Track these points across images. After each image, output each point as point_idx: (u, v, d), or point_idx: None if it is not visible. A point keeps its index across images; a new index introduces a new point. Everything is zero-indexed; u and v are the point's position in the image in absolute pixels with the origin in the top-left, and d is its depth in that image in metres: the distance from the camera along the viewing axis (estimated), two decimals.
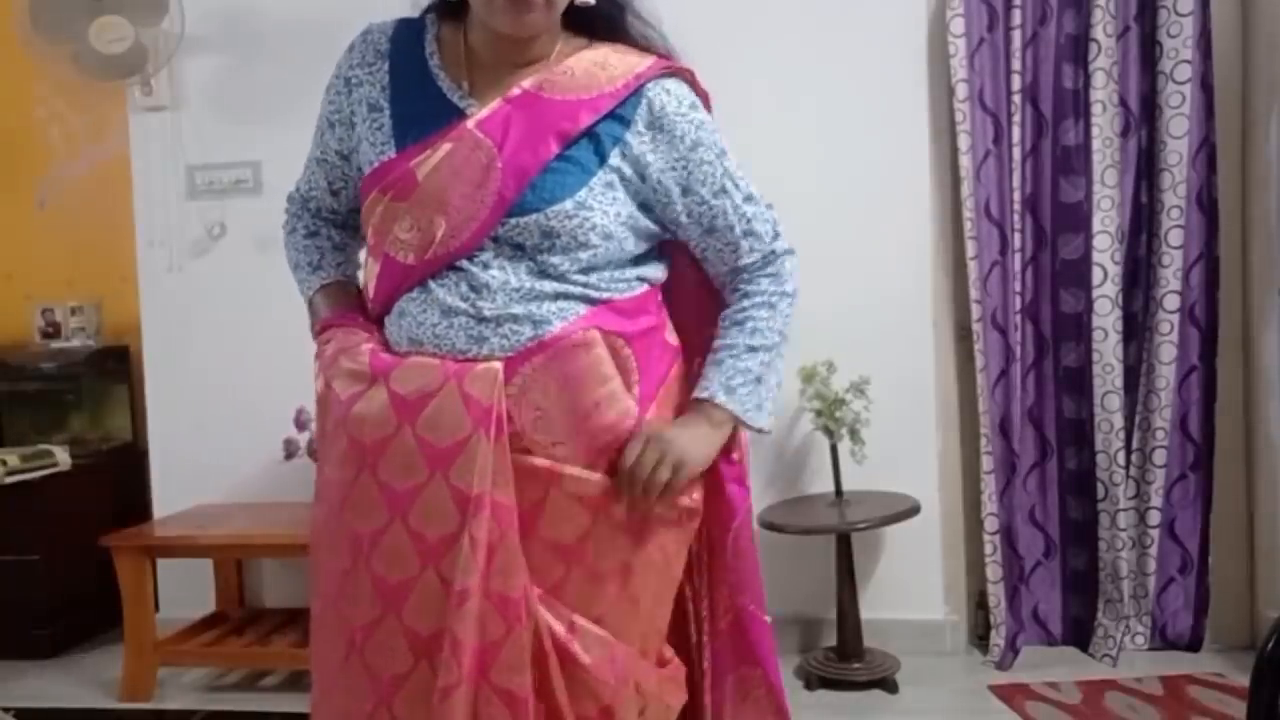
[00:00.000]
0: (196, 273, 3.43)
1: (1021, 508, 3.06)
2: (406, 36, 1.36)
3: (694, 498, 1.36)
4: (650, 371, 1.34)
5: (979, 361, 2.96)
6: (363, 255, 1.43)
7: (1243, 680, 2.63)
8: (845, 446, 2.87)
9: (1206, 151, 2.88)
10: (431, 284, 1.28)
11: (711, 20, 2.96)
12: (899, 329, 3.03)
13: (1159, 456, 2.96)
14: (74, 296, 3.76)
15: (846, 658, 2.89)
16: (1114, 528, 2.95)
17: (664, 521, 1.33)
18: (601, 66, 1.32)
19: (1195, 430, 2.96)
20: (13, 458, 3.31)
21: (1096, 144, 2.90)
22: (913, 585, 3.07)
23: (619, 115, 1.31)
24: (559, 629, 1.26)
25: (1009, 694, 2.74)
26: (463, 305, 1.26)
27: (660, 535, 1.33)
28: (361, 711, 1.27)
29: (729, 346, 1.36)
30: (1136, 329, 2.98)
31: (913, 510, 2.83)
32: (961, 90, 2.91)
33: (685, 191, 1.34)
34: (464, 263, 1.27)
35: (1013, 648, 2.99)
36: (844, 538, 2.88)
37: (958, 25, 2.91)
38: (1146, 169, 2.95)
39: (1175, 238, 2.89)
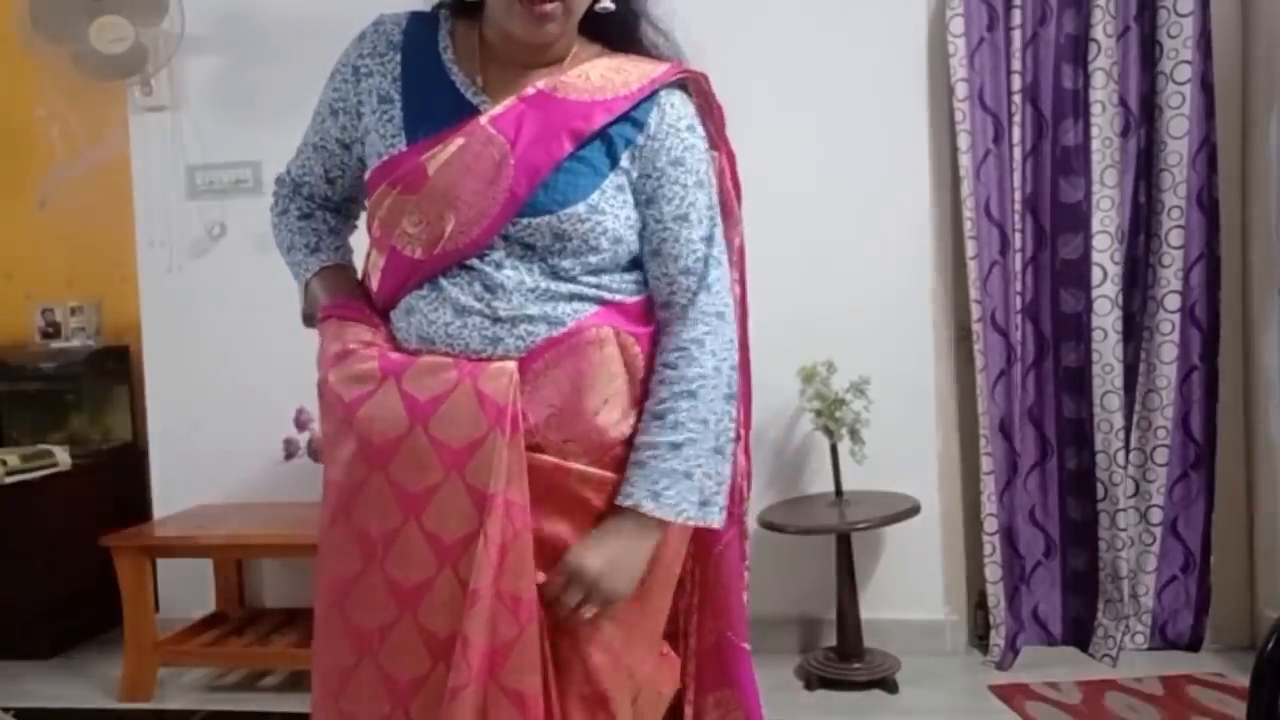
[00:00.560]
0: (196, 273, 3.43)
1: (1021, 508, 3.06)
2: (419, 30, 1.35)
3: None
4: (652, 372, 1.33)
5: (979, 361, 2.96)
6: (364, 245, 1.41)
7: (1243, 680, 2.63)
8: (845, 446, 2.87)
9: (1206, 151, 2.88)
10: (443, 282, 1.27)
11: (712, 20, 2.95)
12: (899, 329, 3.03)
13: (1159, 456, 2.96)
14: (74, 296, 3.76)
15: (846, 658, 2.89)
16: (1114, 528, 2.95)
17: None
18: (617, 71, 1.31)
19: (1196, 430, 2.96)
20: (13, 458, 3.31)
21: (1096, 144, 2.90)
22: (913, 585, 3.07)
23: (632, 118, 1.30)
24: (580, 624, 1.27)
25: (1009, 694, 2.74)
26: (477, 305, 1.26)
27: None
28: (378, 714, 1.26)
29: (650, 445, 1.27)
30: (1136, 329, 2.98)
31: (913, 510, 2.83)
32: (961, 90, 2.91)
33: (650, 202, 1.31)
34: (475, 261, 1.26)
35: (1013, 648, 2.99)
36: (844, 538, 2.88)
37: (958, 25, 2.91)
38: (1146, 169, 2.95)
39: (1175, 238, 2.89)
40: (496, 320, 1.26)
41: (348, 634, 1.28)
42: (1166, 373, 2.93)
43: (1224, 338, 2.96)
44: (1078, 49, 2.92)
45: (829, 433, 2.88)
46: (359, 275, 1.44)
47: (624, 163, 1.30)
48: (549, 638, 1.26)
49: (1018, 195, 2.96)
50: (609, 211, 1.28)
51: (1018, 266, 2.97)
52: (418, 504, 1.24)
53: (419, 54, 1.33)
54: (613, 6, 1.31)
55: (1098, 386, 2.93)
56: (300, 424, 3.04)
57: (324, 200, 1.48)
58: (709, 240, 1.32)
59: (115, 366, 3.71)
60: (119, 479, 3.62)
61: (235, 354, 3.35)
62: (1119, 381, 2.93)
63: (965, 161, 2.92)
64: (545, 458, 1.26)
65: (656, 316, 1.34)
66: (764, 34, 3.05)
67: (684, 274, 1.31)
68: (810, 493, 3.08)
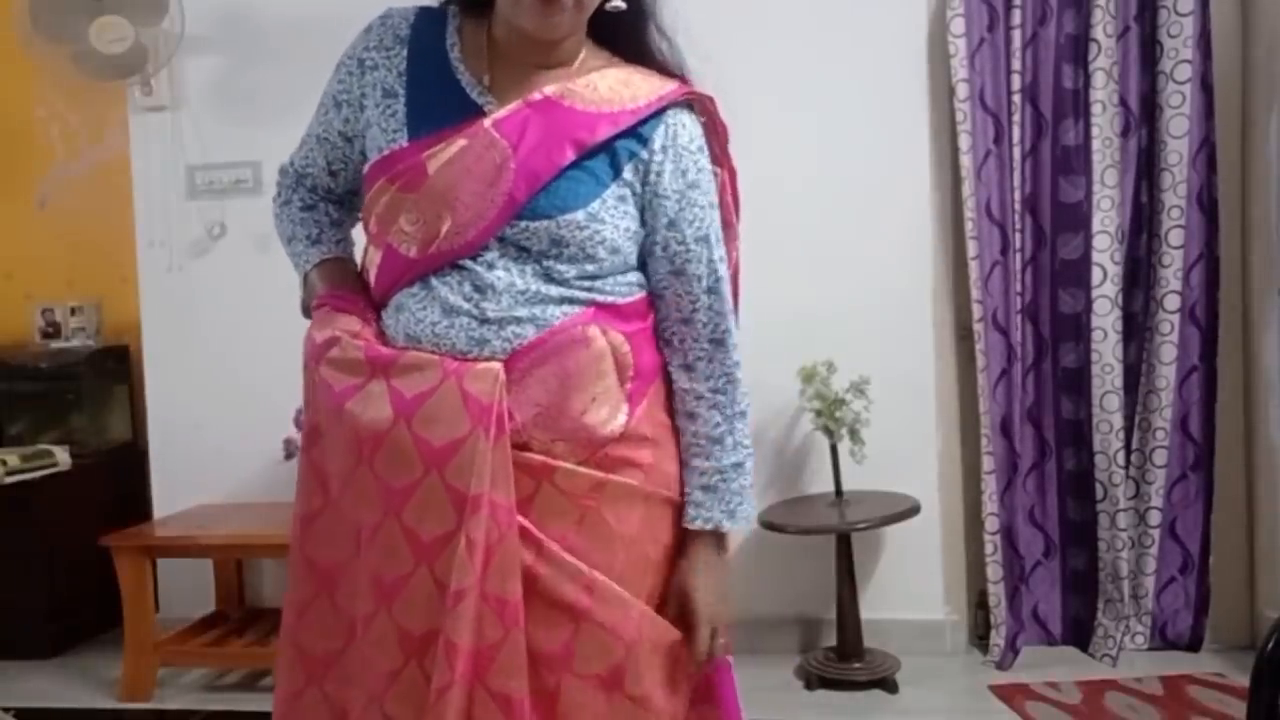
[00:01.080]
0: (196, 273, 3.43)
1: (1022, 508, 3.06)
2: (427, 25, 1.35)
3: (681, 497, 1.36)
4: (643, 371, 1.33)
5: (980, 361, 2.96)
6: (362, 240, 1.41)
7: (1243, 680, 2.63)
8: (845, 446, 2.87)
9: (1206, 151, 2.88)
10: (434, 281, 1.27)
11: (713, 20, 2.95)
12: (899, 329, 3.03)
13: (1159, 457, 2.96)
14: (74, 296, 3.76)
15: (846, 658, 2.89)
16: (1113, 528, 2.95)
17: (657, 515, 1.33)
18: (625, 84, 1.31)
19: (1196, 430, 2.96)
20: (13, 458, 3.31)
21: (1096, 144, 2.90)
22: (913, 585, 3.07)
23: (638, 133, 1.30)
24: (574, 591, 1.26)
25: (1009, 694, 2.74)
26: (465, 305, 1.25)
27: (655, 530, 1.33)
28: (357, 702, 1.27)
29: (719, 471, 1.33)
30: (1136, 329, 2.98)
31: (913, 510, 2.83)
32: (962, 90, 2.91)
33: (671, 225, 1.32)
34: (468, 261, 1.26)
35: (1013, 648, 2.99)
36: (844, 538, 2.88)
37: (958, 25, 2.91)
38: (1146, 169, 2.95)
39: (1175, 238, 2.89)
40: (484, 321, 1.25)
41: (338, 619, 1.29)
42: (1166, 373, 2.93)
43: (1224, 338, 2.96)
44: (1078, 49, 2.92)
45: (829, 433, 2.88)
46: (358, 269, 1.44)
47: (627, 175, 1.30)
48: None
49: (1018, 195, 2.96)
50: (608, 221, 1.28)
51: (1018, 266, 2.97)
52: (398, 500, 1.24)
53: (426, 50, 1.33)
54: (624, 5, 1.30)
55: (1097, 387, 2.93)
56: (300, 424, 3.03)
57: (326, 192, 1.47)
58: (723, 261, 1.36)
59: (115, 366, 3.71)
60: (119, 479, 3.62)
61: (235, 354, 3.35)
62: (1119, 382, 2.93)
63: (966, 161, 2.92)
64: (533, 456, 1.26)
65: (656, 318, 1.35)
66: (764, 34, 3.05)
67: (708, 293, 1.33)
68: (810, 493, 3.08)
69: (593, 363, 1.28)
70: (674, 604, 1.33)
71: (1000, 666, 2.93)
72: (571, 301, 1.28)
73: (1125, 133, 2.94)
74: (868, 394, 2.85)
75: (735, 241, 1.44)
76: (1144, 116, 2.93)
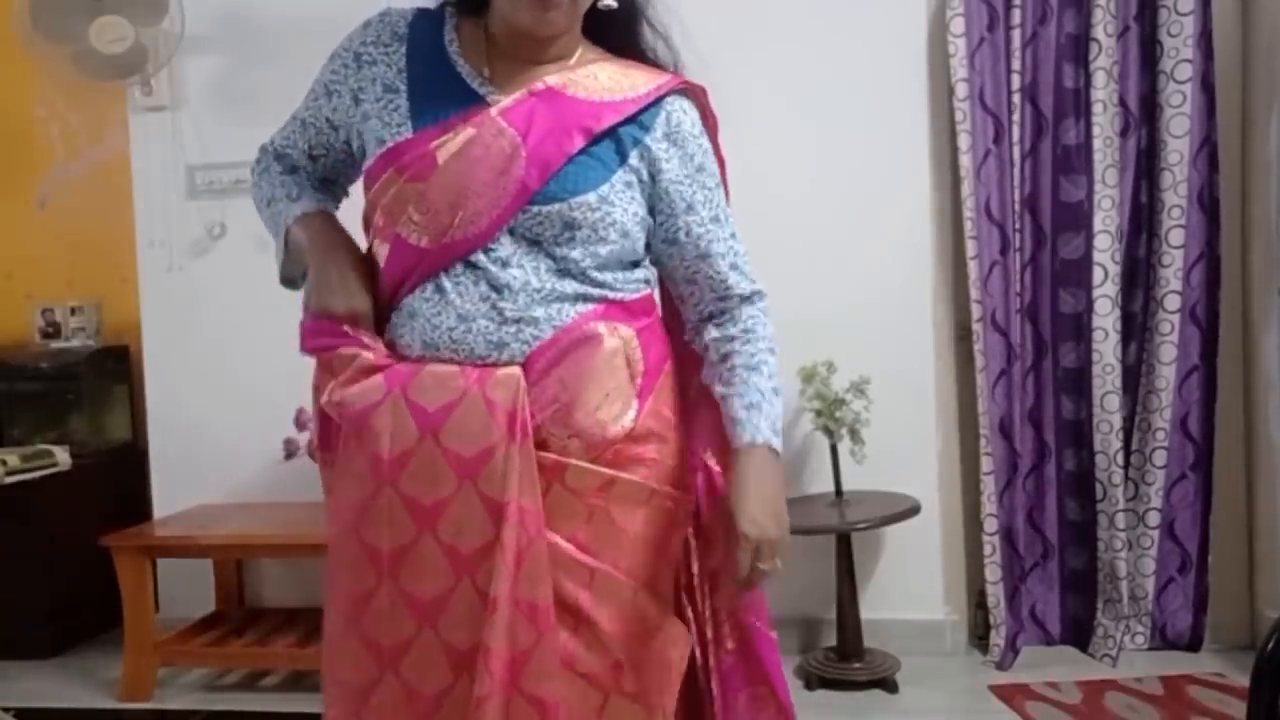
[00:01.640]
0: (196, 273, 3.43)
1: (1021, 508, 3.06)
2: (425, 24, 1.37)
3: (685, 491, 1.37)
4: (651, 366, 1.34)
5: (979, 362, 2.96)
6: (362, 244, 1.41)
7: (1243, 680, 2.63)
8: (845, 446, 2.87)
9: (1207, 151, 2.88)
10: (446, 283, 1.27)
11: (712, 21, 2.96)
12: (899, 329, 3.03)
13: (1159, 457, 2.96)
14: (74, 296, 3.76)
15: (846, 658, 2.89)
16: (1113, 528, 2.95)
17: (661, 510, 1.34)
18: (624, 75, 1.34)
19: (1195, 430, 2.96)
20: (13, 458, 3.31)
21: (1096, 144, 2.90)
22: (913, 585, 3.07)
23: (640, 121, 1.32)
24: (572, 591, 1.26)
25: (1009, 694, 2.74)
26: (482, 307, 1.26)
27: (659, 526, 1.33)
28: None
29: (759, 390, 1.34)
30: (1136, 329, 2.98)
31: (913, 510, 2.83)
32: (961, 90, 2.91)
33: (689, 209, 1.35)
34: (481, 258, 1.26)
35: (1013, 648, 2.99)
36: (844, 538, 2.88)
37: (958, 25, 2.91)
38: (1147, 169, 2.94)
39: (1176, 237, 2.89)
40: (502, 323, 1.25)
41: (367, 649, 1.27)
42: (1166, 373, 2.93)
43: (1224, 338, 2.95)
44: (1078, 48, 2.92)
45: (829, 433, 2.88)
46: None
47: (633, 161, 1.32)
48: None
49: (1018, 195, 2.96)
50: (618, 204, 1.30)
51: (1018, 266, 2.97)
52: (431, 516, 1.24)
53: (424, 47, 1.34)
54: (615, 4, 1.31)
55: (1098, 387, 2.93)
56: (300, 424, 3.04)
57: (307, 175, 1.47)
58: (735, 236, 1.40)
59: (115, 366, 3.71)
60: (119, 479, 3.62)
61: (235, 354, 3.35)
62: (1119, 382, 2.93)
63: (965, 161, 2.92)
64: (547, 455, 1.26)
65: (689, 304, 1.41)
66: (765, 35, 3.05)
67: (732, 269, 1.38)
68: (810, 493, 3.07)
69: (605, 359, 1.29)
70: (721, 523, 1.33)
71: (1000, 666, 2.93)
72: (585, 299, 1.29)
73: (1125, 132, 2.94)
74: (868, 394, 2.85)
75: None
76: (1144, 116, 2.93)
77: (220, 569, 3.36)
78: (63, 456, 3.45)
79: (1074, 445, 3.03)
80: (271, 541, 2.99)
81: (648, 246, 1.38)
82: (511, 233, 1.27)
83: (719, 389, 1.37)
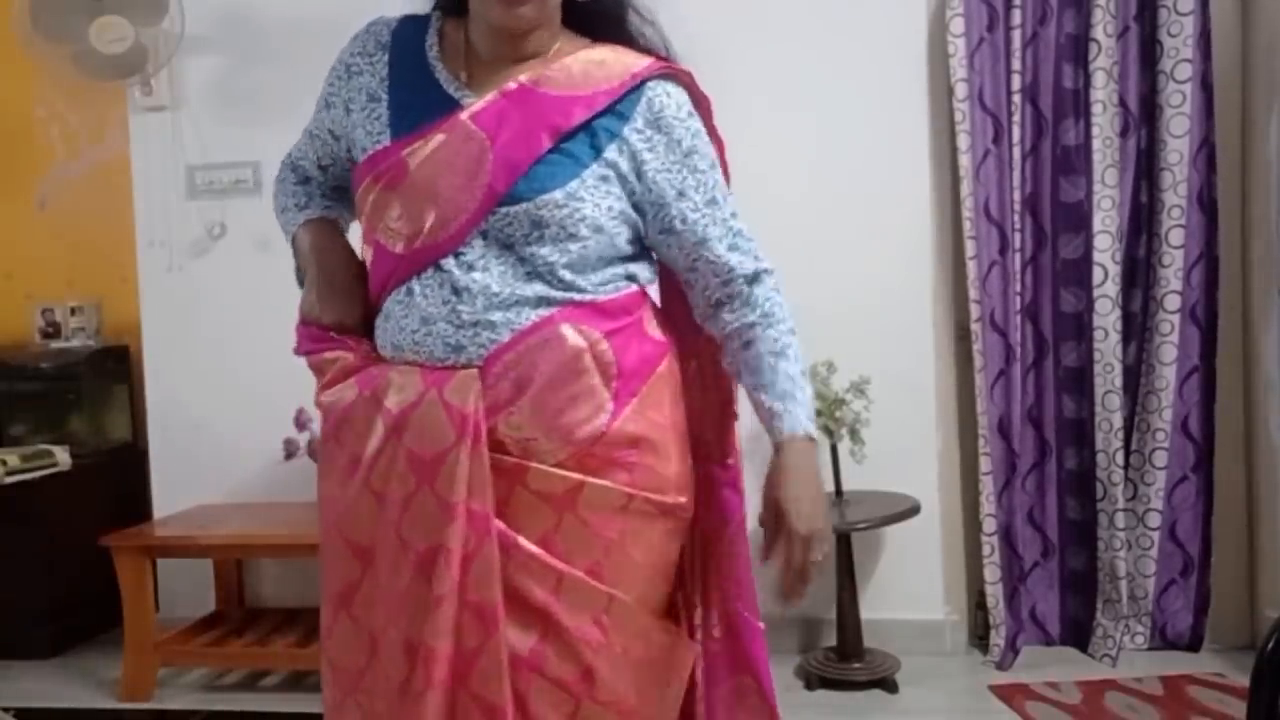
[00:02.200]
0: (196, 273, 3.43)
1: (1021, 508, 3.06)
2: (410, 31, 1.37)
3: (678, 499, 1.34)
4: (631, 369, 1.31)
5: (978, 361, 2.96)
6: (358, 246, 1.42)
7: (1243, 680, 2.63)
8: (845, 446, 2.87)
9: (1207, 151, 2.88)
10: (415, 286, 1.28)
11: (712, 21, 2.96)
12: (899, 329, 3.03)
13: (1159, 457, 2.96)
14: (74, 296, 3.76)
15: (846, 658, 2.89)
16: (1113, 528, 2.95)
17: (643, 517, 1.30)
18: (599, 65, 1.32)
19: (1195, 430, 2.96)
20: (13, 458, 3.31)
21: (1096, 144, 2.90)
22: (913, 585, 3.07)
23: (617, 111, 1.30)
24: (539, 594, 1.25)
25: (1009, 694, 2.74)
26: (443, 311, 1.26)
27: (641, 533, 1.31)
28: (376, 715, 1.29)
29: (789, 377, 1.35)
30: (1136, 329, 2.98)
31: (913, 510, 2.83)
32: (961, 90, 2.91)
33: (680, 195, 1.33)
34: (449, 262, 1.26)
35: (1012, 648, 2.99)
36: (844, 538, 2.88)
37: (958, 25, 2.91)
38: (1146, 169, 2.95)
39: (1175, 237, 2.89)
40: (460, 326, 1.26)
41: (356, 634, 1.31)
42: (1166, 373, 2.93)
43: (1224, 338, 2.95)
44: (1078, 49, 2.92)
45: (829, 433, 2.88)
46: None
47: (610, 155, 1.29)
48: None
49: (1017, 195, 2.96)
50: (588, 199, 1.27)
51: (1017, 266, 2.97)
52: (396, 514, 1.26)
53: (406, 54, 1.35)
54: None
55: (1099, 386, 2.93)
56: (300, 424, 3.04)
57: (318, 184, 1.51)
58: (735, 215, 1.38)
59: (115, 366, 3.71)
60: (119, 479, 3.61)
61: (235, 354, 3.35)
62: (1119, 381, 2.93)
63: (965, 161, 2.92)
64: (506, 458, 1.26)
65: (696, 291, 1.39)
66: (764, 34, 3.05)
67: (731, 250, 1.35)
68: None
69: (567, 362, 1.27)
70: (768, 516, 1.32)
71: (1000, 666, 2.93)
72: (548, 302, 1.27)
73: (1125, 132, 2.94)
74: (868, 394, 2.85)
75: None
76: (1144, 116, 2.93)
77: (220, 569, 3.36)
78: (63, 456, 3.45)
79: (1075, 444, 3.03)
80: (271, 541, 2.99)
81: (638, 241, 1.36)
82: (484, 236, 1.27)
83: (746, 379, 1.37)
